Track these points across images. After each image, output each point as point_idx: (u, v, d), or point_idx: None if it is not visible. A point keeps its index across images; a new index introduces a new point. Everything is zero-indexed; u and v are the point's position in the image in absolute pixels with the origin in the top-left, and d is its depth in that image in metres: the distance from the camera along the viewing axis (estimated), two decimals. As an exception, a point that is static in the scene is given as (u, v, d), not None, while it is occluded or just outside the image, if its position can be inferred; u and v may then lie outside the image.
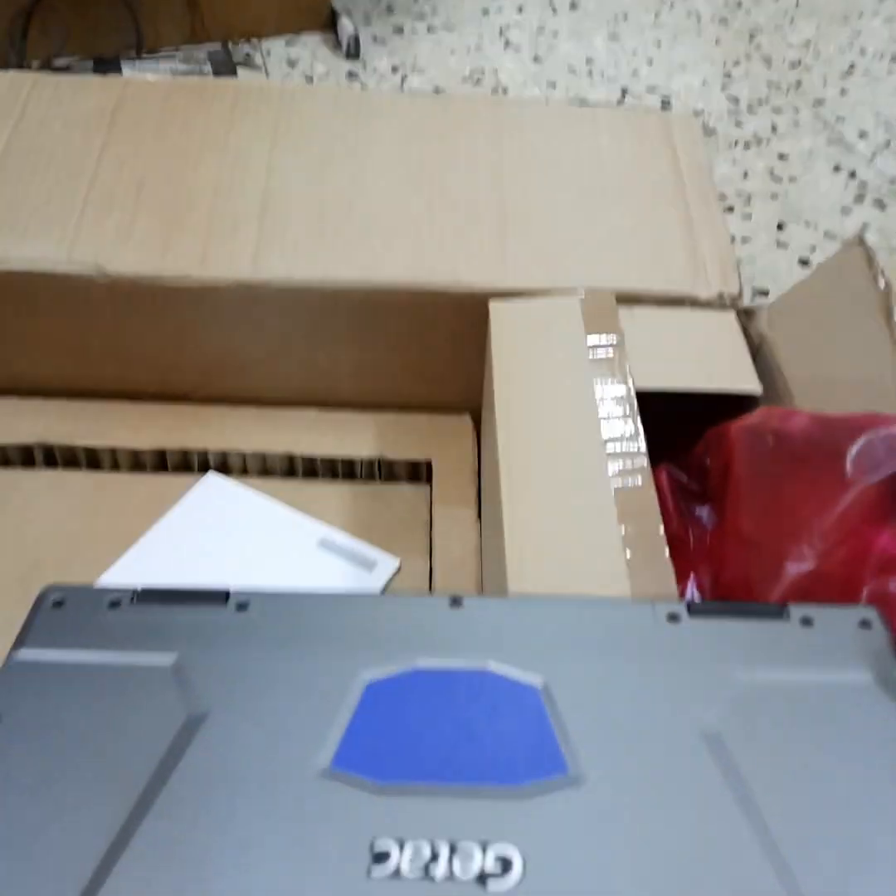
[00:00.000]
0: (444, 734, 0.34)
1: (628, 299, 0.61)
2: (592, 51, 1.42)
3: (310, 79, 1.40)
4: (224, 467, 0.67)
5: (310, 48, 1.46)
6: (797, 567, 0.41)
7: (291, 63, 1.43)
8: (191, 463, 0.67)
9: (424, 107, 0.74)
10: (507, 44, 1.44)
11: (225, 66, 1.44)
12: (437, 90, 1.35)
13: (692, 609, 0.38)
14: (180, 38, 1.49)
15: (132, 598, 0.38)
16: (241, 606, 0.38)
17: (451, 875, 0.29)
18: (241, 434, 0.68)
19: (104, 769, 0.32)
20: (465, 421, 0.69)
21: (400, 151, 0.70)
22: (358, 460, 0.67)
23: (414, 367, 0.67)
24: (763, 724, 0.34)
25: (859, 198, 1.12)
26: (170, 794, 0.31)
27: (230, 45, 1.49)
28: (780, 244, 1.05)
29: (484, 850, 0.30)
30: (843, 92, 1.31)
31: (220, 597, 0.38)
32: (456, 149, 0.70)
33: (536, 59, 1.41)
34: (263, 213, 0.65)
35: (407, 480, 0.68)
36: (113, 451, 0.66)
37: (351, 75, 1.40)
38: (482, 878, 0.29)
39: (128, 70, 1.38)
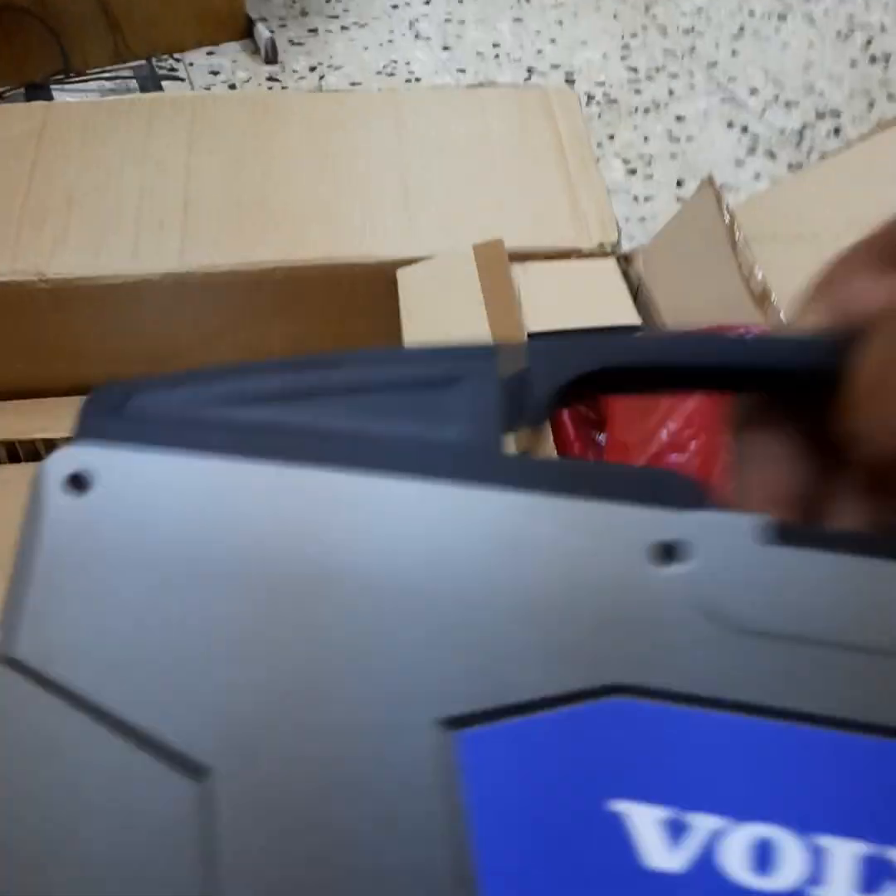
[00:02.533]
0: None
1: (520, 256, 0.68)
2: (498, 35, 1.49)
3: (232, 86, 1.46)
4: (175, 446, 0.74)
5: (230, 56, 1.52)
6: (651, 461, 0.48)
7: (214, 72, 1.49)
8: (144, 445, 0.74)
9: (328, 102, 0.80)
10: (417, 36, 1.50)
11: (150, 82, 1.50)
12: (353, 85, 1.42)
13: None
14: (106, 59, 1.54)
15: None
16: None
17: None
18: (187, 414, 0.74)
19: None
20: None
21: (307, 145, 0.77)
22: (296, 427, 0.74)
23: (337, 337, 0.74)
24: None
25: (751, 150, 1.19)
26: None
27: (154, 60, 1.54)
28: (680, 200, 1.12)
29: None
30: (734, 53, 1.39)
31: None
32: (358, 138, 0.77)
33: (446, 47, 1.47)
34: (186, 211, 0.72)
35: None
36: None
37: (271, 79, 1.46)
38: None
39: (58, 94, 1.43)
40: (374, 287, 0.70)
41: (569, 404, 0.26)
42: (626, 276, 0.68)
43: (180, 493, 0.21)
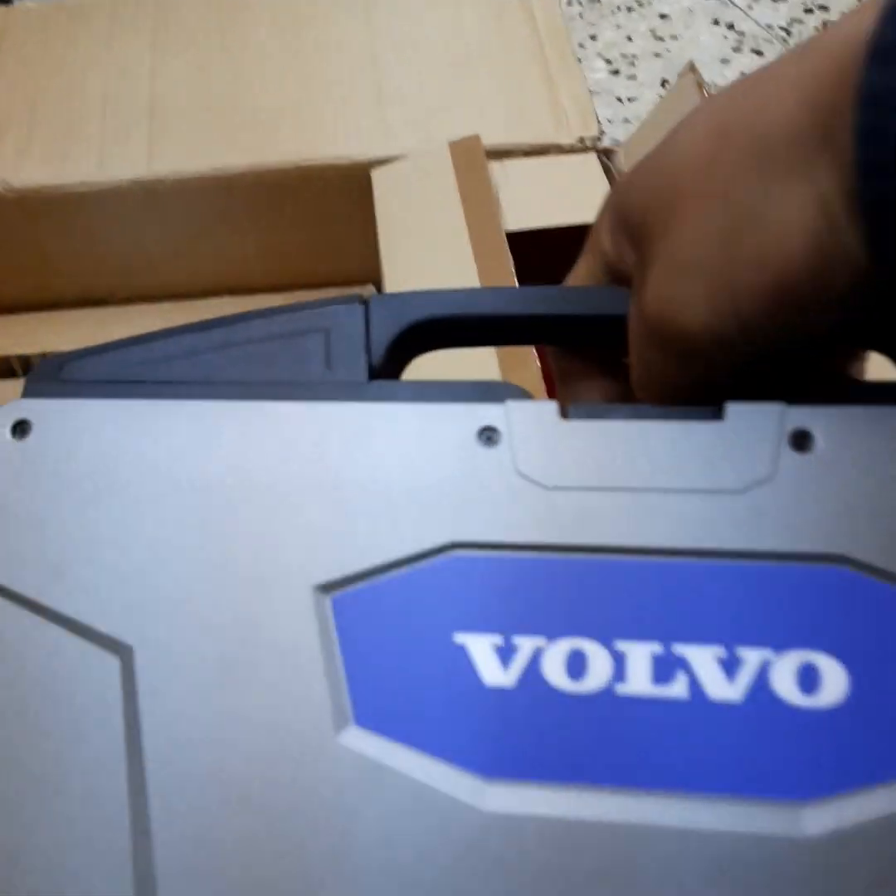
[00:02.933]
0: None
1: (498, 154, 0.66)
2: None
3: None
4: (152, 360, 0.73)
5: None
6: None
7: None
8: (120, 360, 0.72)
9: (296, -1, 0.77)
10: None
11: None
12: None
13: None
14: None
15: None
16: None
17: None
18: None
19: None
20: (369, 291, 0.75)
21: (276, 44, 0.74)
22: (274, 338, 0.72)
23: (314, 243, 0.72)
24: None
25: (737, 48, 1.16)
26: None
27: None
28: (665, 100, 1.09)
29: None
30: (720, -53, 1.34)
31: None
32: (328, 34, 0.74)
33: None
34: (152, 115, 0.69)
35: (322, 351, 0.73)
36: (44, 356, 0.71)
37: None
38: None
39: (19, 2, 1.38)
40: (349, 189, 0.68)
41: (419, 352, 0.29)
42: (607, 171, 0.66)
43: (100, 429, 0.27)
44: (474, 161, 0.64)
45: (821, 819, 0.22)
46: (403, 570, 0.25)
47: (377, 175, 0.66)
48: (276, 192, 0.68)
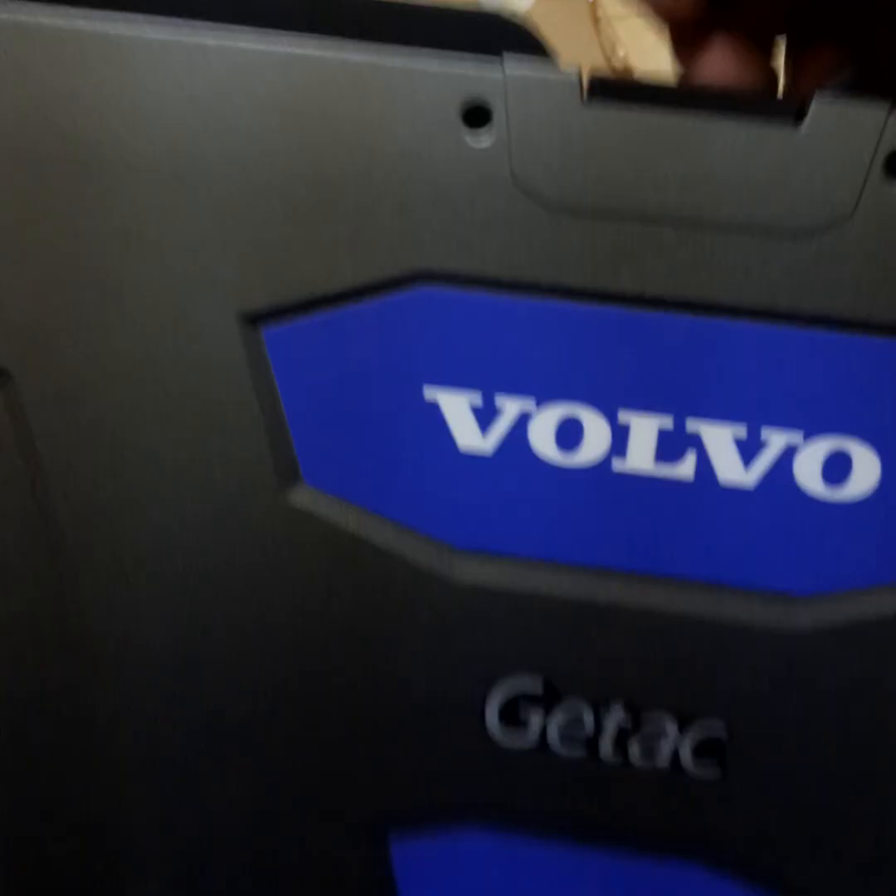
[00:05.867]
0: None
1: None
2: None
3: None
4: None
5: None
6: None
7: None
8: None
9: None
10: None
11: None
12: None
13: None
14: None
15: None
16: None
17: None
18: None
19: None
20: None
21: None
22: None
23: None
24: None
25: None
26: None
27: None
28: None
29: None
30: None
31: None
32: None
33: None
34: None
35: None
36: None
37: None
38: None
39: None
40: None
41: None
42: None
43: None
44: None
45: (815, 614, 0.20)
46: (358, 304, 0.19)
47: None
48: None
